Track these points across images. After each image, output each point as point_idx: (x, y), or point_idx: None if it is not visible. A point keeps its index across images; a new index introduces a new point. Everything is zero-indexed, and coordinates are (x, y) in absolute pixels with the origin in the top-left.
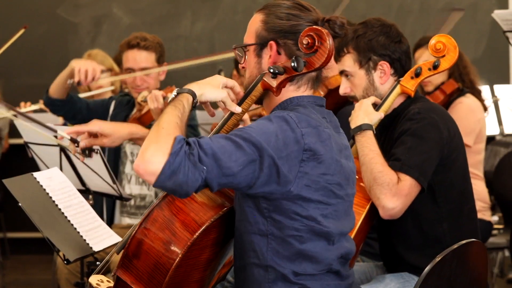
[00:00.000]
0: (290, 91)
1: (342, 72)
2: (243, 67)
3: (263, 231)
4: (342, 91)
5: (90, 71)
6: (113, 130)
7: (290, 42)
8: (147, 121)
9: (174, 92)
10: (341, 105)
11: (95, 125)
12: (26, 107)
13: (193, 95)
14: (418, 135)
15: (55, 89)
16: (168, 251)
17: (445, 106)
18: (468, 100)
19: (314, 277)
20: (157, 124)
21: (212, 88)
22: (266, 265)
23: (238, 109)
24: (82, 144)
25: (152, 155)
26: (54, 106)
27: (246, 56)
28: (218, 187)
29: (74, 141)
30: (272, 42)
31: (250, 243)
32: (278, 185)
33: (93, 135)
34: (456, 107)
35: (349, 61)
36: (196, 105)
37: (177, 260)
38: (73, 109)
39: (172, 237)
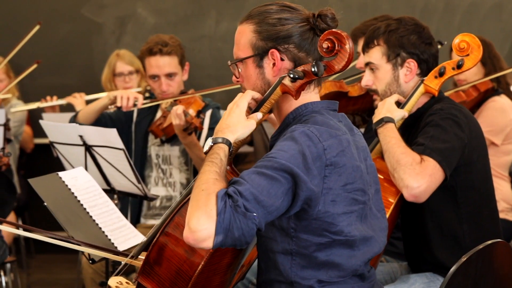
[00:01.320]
0: (303, 93)
1: (368, 64)
2: (238, 81)
3: (287, 250)
4: (364, 83)
5: (132, 98)
6: None
7: (291, 46)
8: (170, 133)
9: (210, 143)
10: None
11: None
12: (52, 101)
13: (229, 144)
14: (440, 125)
15: (87, 116)
16: (190, 258)
17: (478, 104)
18: (501, 100)
19: (338, 283)
20: (196, 186)
21: (243, 126)
22: (290, 281)
23: (259, 115)
24: None
25: (197, 223)
26: None
27: (240, 69)
28: (265, 228)
29: None
30: (273, 50)
31: (274, 262)
32: (309, 206)
33: None
34: (488, 105)
35: (377, 54)
36: (232, 153)
37: (200, 267)
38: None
39: None
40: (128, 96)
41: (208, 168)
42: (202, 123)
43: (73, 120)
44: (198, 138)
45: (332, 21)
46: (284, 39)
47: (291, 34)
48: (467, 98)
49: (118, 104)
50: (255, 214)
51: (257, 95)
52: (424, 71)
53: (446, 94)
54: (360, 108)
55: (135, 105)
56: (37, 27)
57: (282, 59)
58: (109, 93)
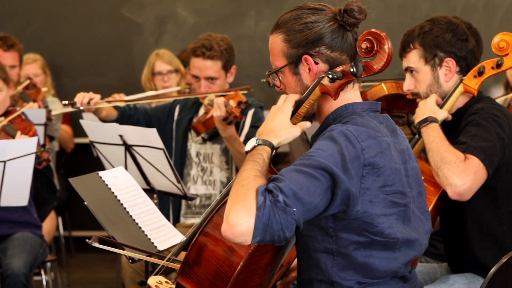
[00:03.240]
0: (343, 93)
1: (407, 69)
2: (281, 89)
3: (328, 249)
4: (406, 87)
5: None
6: None
7: (322, 48)
8: (211, 125)
9: (253, 143)
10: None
11: None
12: (121, 97)
13: (272, 147)
14: (482, 125)
15: (105, 115)
16: (230, 259)
17: None
18: None
19: (378, 285)
20: (236, 183)
21: (287, 132)
22: (331, 281)
23: (308, 125)
24: None
25: (236, 217)
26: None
27: (281, 78)
28: (303, 222)
29: None
30: (305, 56)
31: (316, 261)
32: (348, 206)
33: None
34: None
35: (414, 57)
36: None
37: (239, 267)
38: (130, 123)
39: (234, 244)
40: (84, 95)
41: (250, 167)
42: (242, 112)
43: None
44: (239, 134)
45: (359, 13)
46: (313, 42)
47: (320, 36)
48: None
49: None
50: (294, 209)
51: (300, 97)
52: (463, 68)
53: None
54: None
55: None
56: None
57: (316, 63)
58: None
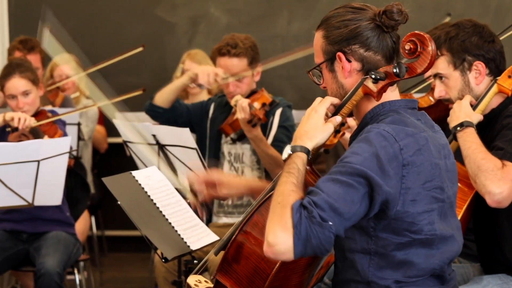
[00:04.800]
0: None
1: (436, 75)
2: (324, 87)
3: (366, 249)
4: (437, 94)
5: (212, 74)
6: (231, 181)
7: (356, 47)
8: (237, 127)
9: (288, 151)
10: None
11: (214, 174)
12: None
13: (307, 152)
14: None
15: (165, 97)
16: None
17: None
18: None
19: (416, 283)
20: (273, 199)
21: (321, 131)
22: (368, 281)
23: (338, 119)
24: (202, 197)
25: (275, 237)
26: (156, 113)
27: (322, 75)
28: (344, 231)
29: (195, 193)
30: (339, 53)
31: (352, 261)
32: (387, 208)
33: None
34: None
35: (443, 64)
36: (311, 157)
37: (277, 265)
38: (174, 115)
39: None
40: (208, 72)
41: (285, 179)
42: (265, 115)
43: (149, 103)
44: (267, 135)
45: (399, 15)
46: (348, 40)
47: (355, 34)
48: None
49: (200, 81)
50: (331, 223)
51: (336, 100)
52: (493, 70)
53: None
54: (434, 118)
55: (215, 81)
56: (140, 49)
57: (349, 61)
58: (189, 72)
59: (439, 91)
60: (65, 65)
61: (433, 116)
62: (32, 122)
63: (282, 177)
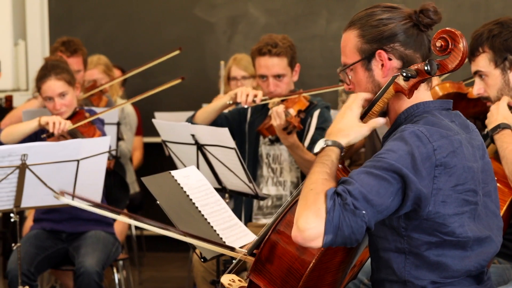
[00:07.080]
0: (415, 92)
1: (476, 73)
2: (350, 88)
3: (400, 249)
4: (476, 91)
5: (251, 94)
6: None
7: (396, 45)
8: (273, 131)
9: (322, 144)
10: None
11: None
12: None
13: (341, 148)
14: None
15: (205, 116)
16: (302, 256)
17: None
18: None
19: (452, 285)
20: (305, 186)
21: (356, 131)
22: (404, 280)
23: (381, 121)
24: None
25: (306, 222)
26: None
27: (350, 77)
28: (374, 224)
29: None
30: (380, 51)
31: (387, 261)
32: (419, 207)
33: None
34: None
35: (484, 61)
36: (343, 155)
37: (311, 264)
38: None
39: None
40: (248, 92)
41: (318, 169)
42: (301, 122)
43: (190, 120)
44: (304, 136)
45: (435, 14)
46: (388, 38)
47: (395, 32)
48: None
49: (238, 100)
50: (364, 212)
51: (369, 95)
52: None
53: None
54: (481, 111)
55: (254, 101)
56: (176, 52)
57: (389, 59)
58: (229, 93)
59: (478, 89)
60: (94, 69)
61: (480, 109)
62: (68, 125)
63: (315, 167)
